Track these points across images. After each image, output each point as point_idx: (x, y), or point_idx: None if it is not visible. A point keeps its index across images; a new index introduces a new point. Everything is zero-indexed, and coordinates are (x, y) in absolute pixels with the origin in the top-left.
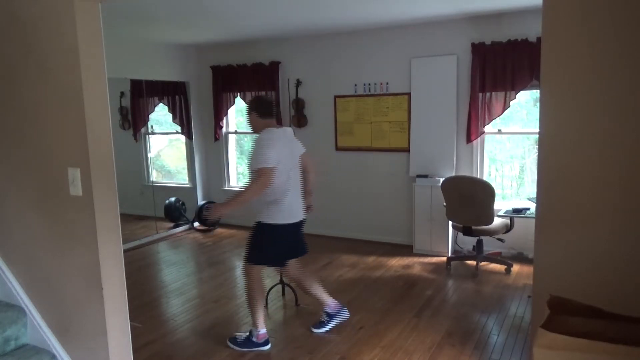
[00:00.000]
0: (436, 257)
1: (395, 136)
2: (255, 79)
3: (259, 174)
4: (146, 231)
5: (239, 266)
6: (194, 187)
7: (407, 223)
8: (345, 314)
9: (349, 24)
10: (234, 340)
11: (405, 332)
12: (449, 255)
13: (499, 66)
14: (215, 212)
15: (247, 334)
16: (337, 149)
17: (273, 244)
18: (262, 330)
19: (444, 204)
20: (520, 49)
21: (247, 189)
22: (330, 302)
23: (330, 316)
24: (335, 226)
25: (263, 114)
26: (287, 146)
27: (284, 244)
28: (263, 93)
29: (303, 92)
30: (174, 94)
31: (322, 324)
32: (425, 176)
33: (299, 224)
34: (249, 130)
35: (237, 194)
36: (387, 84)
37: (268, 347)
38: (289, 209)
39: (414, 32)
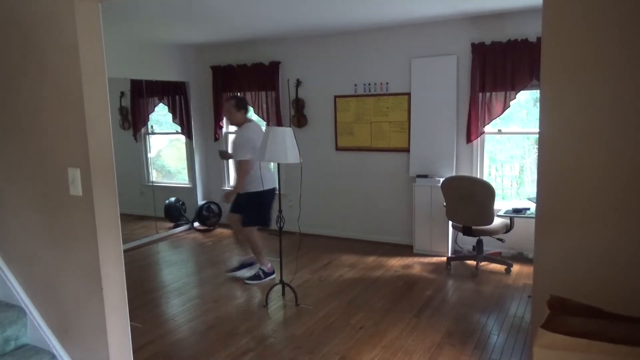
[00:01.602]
0: (436, 257)
1: (395, 136)
2: (255, 79)
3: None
4: (146, 231)
5: None
6: (194, 187)
7: (407, 223)
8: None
9: (349, 24)
10: (252, 278)
11: (405, 332)
12: (449, 255)
13: (499, 66)
14: (228, 199)
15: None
16: (337, 149)
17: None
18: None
19: (444, 204)
20: (520, 49)
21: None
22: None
23: (266, 274)
24: (335, 226)
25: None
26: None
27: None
28: (263, 93)
29: (303, 92)
30: (174, 94)
31: (256, 278)
32: (425, 176)
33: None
34: None
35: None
36: (387, 84)
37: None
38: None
39: (414, 32)
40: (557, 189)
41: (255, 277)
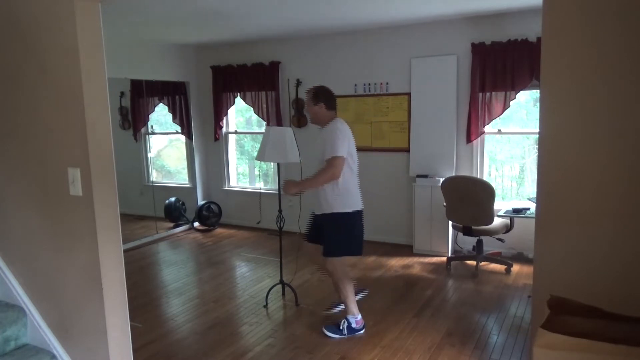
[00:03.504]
0: (436, 257)
1: (395, 136)
2: (255, 79)
3: (332, 162)
4: (146, 231)
5: (239, 266)
6: (194, 187)
7: (407, 223)
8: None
9: (349, 24)
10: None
11: (405, 332)
12: (449, 255)
13: (499, 66)
14: (287, 188)
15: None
16: None
17: (352, 231)
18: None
19: (444, 204)
20: (520, 49)
21: (320, 173)
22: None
23: (351, 329)
24: None
25: (331, 106)
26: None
27: (359, 229)
28: (263, 93)
29: (303, 92)
30: (174, 94)
31: (337, 329)
32: (425, 176)
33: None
34: (249, 130)
35: (309, 178)
36: (387, 84)
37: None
38: (356, 196)
39: (414, 32)
40: (557, 189)
41: (336, 327)
